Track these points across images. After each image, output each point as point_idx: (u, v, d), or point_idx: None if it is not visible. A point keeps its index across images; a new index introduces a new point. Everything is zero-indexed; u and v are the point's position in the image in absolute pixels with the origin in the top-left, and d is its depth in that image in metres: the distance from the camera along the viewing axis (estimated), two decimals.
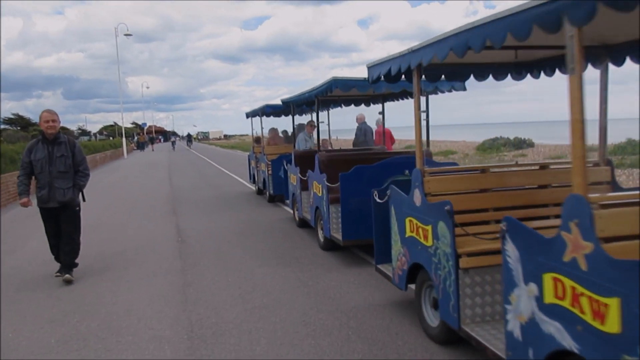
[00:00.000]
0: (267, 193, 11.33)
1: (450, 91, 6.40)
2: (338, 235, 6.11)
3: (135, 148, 55.50)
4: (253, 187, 13.89)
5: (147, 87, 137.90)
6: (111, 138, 60.70)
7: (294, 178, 8.32)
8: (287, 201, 9.52)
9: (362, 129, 13.28)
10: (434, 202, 3.51)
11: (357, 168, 5.96)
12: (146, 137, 63.44)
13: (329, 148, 9.55)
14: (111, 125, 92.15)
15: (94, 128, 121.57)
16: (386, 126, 12.76)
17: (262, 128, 11.93)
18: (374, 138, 14.30)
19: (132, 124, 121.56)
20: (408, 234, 3.93)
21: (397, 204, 4.15)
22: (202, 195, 13.24)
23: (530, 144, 26.16)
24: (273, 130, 12.48)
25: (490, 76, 4.35)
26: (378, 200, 4.51)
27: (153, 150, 54.47)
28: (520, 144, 26.15)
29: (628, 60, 3.59)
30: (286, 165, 9.25)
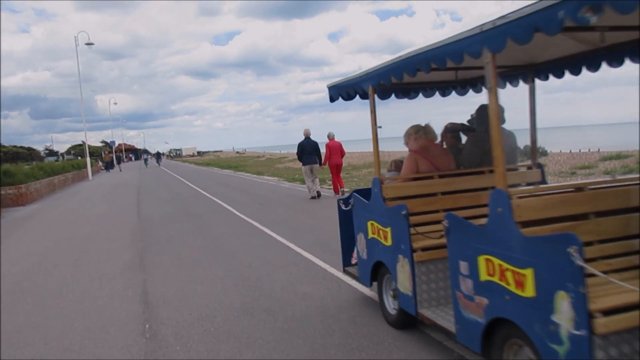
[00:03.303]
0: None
1: None
2: None
3: (102, 168, 51.11)
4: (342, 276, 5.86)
5: (115, 104, 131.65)
6: (79, 158, 56.26)
7: None
8: None
9: (310, 144, 14.05)
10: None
11: None
12: (111, 156, 58.05)
13: None
14: (80, 145, 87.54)
15: (62, 148, 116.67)
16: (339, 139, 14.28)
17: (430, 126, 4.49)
18: (325, 152, 14.30)
19: (102, 142, 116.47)
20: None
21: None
22: (181, 231, 10.02)
23: (544, 153, 23.68)
24: (424, 134, 4.46)
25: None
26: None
27: (120, 170, 49.69)
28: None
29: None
30: None
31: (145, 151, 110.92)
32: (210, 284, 5.96)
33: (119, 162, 56.45)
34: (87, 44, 34.96)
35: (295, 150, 14.55)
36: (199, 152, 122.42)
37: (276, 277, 6.08)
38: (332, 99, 4.74)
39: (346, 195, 4.66)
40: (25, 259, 8.30)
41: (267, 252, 7.57)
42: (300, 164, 14.48)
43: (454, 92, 5.04)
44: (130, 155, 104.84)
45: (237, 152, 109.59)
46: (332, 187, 14.95)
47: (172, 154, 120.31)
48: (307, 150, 14.00)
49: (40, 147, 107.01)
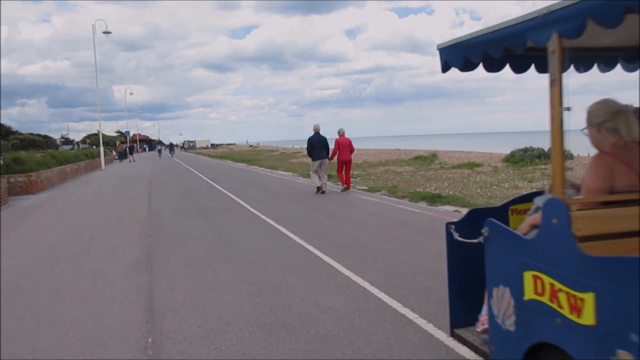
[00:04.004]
0: None
1: None
2: None
3: (116, 158, 50.93)
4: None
5: (131, 94, 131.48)
6: (94, 147, 56.22)
7: None
8: None
9: (319, 139, 14.11)
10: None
11: None
12: (124, 146, 57.43)
13: None
14: (95, 134, 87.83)
15: (78, 136, 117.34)
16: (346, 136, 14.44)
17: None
18: (333, 148, 14.25)
19: (117, 132, 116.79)
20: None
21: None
22: (192, 228, 9.47)
23: (569, 156, 22.85)
24: (624, 124, 2.60)
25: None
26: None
27: (133, 160, 48.79)
28: None
29: None
30: None
31: (159, 142, 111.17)
32: (222, 291, 5.38)
33: (132, 153, 56.20)
34: (105, 32, 34.66)
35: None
36: (212, 145, 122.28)
37: (295, 285, 5.48)
38: (447, 67, 2.99)
39: (461, 216, 3.24)
40: (27, 254, 7.80)
41: (284, 254, 6.98)
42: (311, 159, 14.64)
43: None
44: (145, 145, 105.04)
45: (251, 146, 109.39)
46: (339, 183, 14.94)
47: (185, 146, 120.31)
48: (317, 146, 14.07)
49: (56, 135, 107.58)
